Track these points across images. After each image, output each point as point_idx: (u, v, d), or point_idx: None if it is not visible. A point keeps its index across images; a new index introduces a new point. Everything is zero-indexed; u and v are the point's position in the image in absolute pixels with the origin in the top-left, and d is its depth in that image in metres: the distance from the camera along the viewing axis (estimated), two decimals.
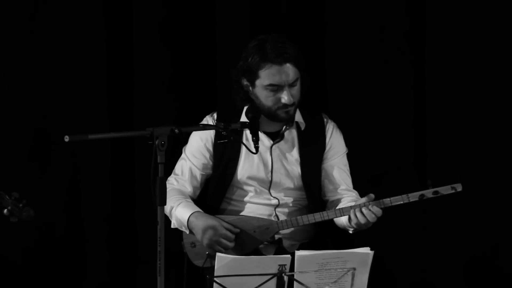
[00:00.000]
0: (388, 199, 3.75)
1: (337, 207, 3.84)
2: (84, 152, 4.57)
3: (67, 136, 3.14)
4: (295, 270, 3.22)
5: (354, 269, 3.23)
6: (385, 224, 4.45)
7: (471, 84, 4.48)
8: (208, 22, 4.58)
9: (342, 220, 3.85)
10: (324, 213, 3.82)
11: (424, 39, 4.51)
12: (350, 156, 4.08)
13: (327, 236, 4.04)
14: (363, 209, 3.71)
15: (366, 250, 3.26)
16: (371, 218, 3.71)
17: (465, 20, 4.46)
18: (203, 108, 4.14)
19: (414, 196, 3.75)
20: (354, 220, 3.74)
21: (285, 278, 3.23)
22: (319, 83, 4.57)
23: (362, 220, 3.71)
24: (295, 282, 3.24)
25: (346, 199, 3.92)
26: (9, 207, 3.46)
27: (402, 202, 3.75)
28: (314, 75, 4.56)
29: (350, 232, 3.87)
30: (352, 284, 3.24)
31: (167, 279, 3.18)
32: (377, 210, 3.72)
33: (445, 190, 3.76)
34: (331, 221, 3.97)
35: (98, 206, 4.62)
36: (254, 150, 3.65)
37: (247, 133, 3.91)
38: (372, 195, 3.74)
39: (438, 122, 4.52)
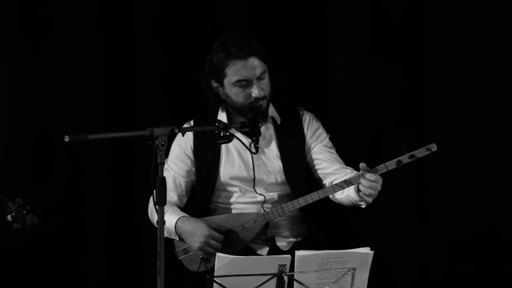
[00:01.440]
0: (367, 171, 3.72)
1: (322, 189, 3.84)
2: (84, 152, 4.57)
3: (67, 136, 3.15)
4: (295, 270, 3.22)
5: (354, 269, 3.23)
6: (385, 224, 4.47)
7: (469, 76, 4.49)
8: (209, 22, 4.58)
9: (351, 197, 3.81)
10: (308, 196, 3.81)
11: (423, 37, 4.51)
12: (351, 144, 4.07)
13: (320, 233, 4.03)
14: (361, 180, 3.67)
15: (366, 250, 3.26)
16: (370, 185, 3.67)
17: (463, 16, 4.48)
18: (204, 108, 4.14)
19: (391, 164, 3.73)
20: (360, 196, 3.72)
21: (285, 278, 3.22)
22: (319, 82, 4.58)
23: (365, 191, 3.67)
24: (295, 282, 3.24)
25: (343, 177, 3.89)
26: (13, 214, 3.45)
27: (381, 172, 3.72)
28: (314, 74, 4.60)
29: (363, 206, 3.83)
30: (352, 284, 3.24)
31: (167, 279, 3.18)
32: (368, 180, 3.67)
33: (421, 152, 3.75)
34: (323, 218, 3.98)
35: (98, 206, 4.62)
36: (253, 151, 3.66)
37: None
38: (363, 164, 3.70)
39: (436, 119, 4.53)
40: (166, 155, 3.20)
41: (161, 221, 3.16)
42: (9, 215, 3.45)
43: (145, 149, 3.35)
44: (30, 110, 4.54)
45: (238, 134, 3.79)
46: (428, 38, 4.51)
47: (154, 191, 3.51)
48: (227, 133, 3.48)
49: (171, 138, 3.22)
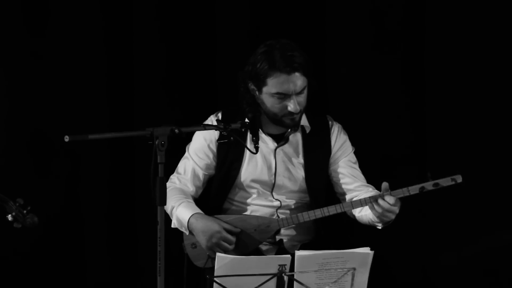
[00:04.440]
0: (388, 193, 3.72)
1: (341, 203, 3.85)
2: (84, 152, 4.57)
3: (67, 136, 3.14)
4: (295, 270, 3.22)
5: (354, 269, 3.23)
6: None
7: (470, 79, 4.48)
8: (208, 22, 4.59)
9: (369, 217, 3.83)
10: (325, 209, 3.81)
11: (423, 38, 4.51)
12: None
13: (328, 237, 4.04)
14: (379, 201, 3.69)
15: (366, 250, 3.26)
16: (387, 208, 3.68)
17: (464, 18, 4.47)
18: (203, 108, 4.15)
19: (414, 189, 3.73)
20: (375, 215, 3.73)
21: (285, 278, 3.23)
22: (319, 83, 4.58)
23: (380, 211, 3.69)
24: (295, 282, 3.24)
25: (363, 195, 3.91)
26: (13, 213, 3.46)
27: (402, 195, 3.73)
28: (314, 75, 4.59)
29: (379, 227, 3.84)
30: (352, 284, 3.25)
31: (167, 279, 3.18)
32: (387, 202, 3.68)
33: (445, 182, 3.74)
34: (331, 222, 3.97)
35: (98, 206, 4.62)
36: (254, 150, 3.66)
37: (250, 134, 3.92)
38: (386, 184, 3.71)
39: (437, 119, 4.53)
40: (166, 155, 3.19)
41: (161, 221, 3.16)
42: (10, 215, 3.46)
43: (145, 149, 3.35)
44: (31, 109, 4.54)
45: (263, 136, 3.80)
46: (428, 39, 4.51)
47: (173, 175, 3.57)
48: (226, 133, 3.48)
49: (171, 138, 3.22)
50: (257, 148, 3.66)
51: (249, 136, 3.91)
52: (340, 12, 4.56)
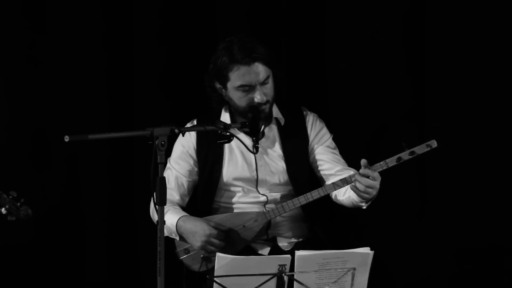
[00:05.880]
0: (367, 168, 3.71)
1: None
2: (84, 152, 4.57)
3: (67, 136, 3.15)
4: (295, 270, 3.22)
5: (354, 269, 3.23)
6: (385, 224, 4.48)
7: (472, 67, 4.48)
8: (209, 22, 4.59)
9: (352, 198, 3.80)
10: (308, 194, 3.82)
11: (423, 30, 4.51)
12: (351, 143, 4.07)
13: (322, 234, 4.03)
14: (358, 177, 3.66)
15: (366, 250, 3.26)
16: (367, 183, 3.65)
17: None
18: (203, 109, 4.14)
19: (391, 161, 3.72)
20: (357, 193, 3.70)
21: (285, 278, 3.23)
22: (319, 82, 4.59)
23: (361, 188, 3.66)
24: (295, 282, 3.24)
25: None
26: (6, 206, 3.47)
27: (381, 169, 3.72)
28: (314, 74, 4.60)
29: (364, 207, 3.82)
30: (352, 284, 3.25)
31: (167, 279, 3.18)
32: (367, 180, 3.66)
33: (421, 149, 3.74)
34: (326, 219, 3.98)
35: (98, 206, 4.62)
36: (253, 150, 3.66)
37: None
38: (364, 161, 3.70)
39: (438, 110, 4.53)
40: (166, 155, 3.20)
41: (161, 221, 3.16)
42: (3, 208, 3.47)
43: (145, 149, 3.35)
44: (30, 109, 4.54)
45: (241, 135, 3.79)
46: (428, 36, 4.51)
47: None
48: (228, 133, 3.49)
49: (171, 138, 3.22)
50: (257, 148, 3.66)
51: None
52: (340, 9, 4.56)
